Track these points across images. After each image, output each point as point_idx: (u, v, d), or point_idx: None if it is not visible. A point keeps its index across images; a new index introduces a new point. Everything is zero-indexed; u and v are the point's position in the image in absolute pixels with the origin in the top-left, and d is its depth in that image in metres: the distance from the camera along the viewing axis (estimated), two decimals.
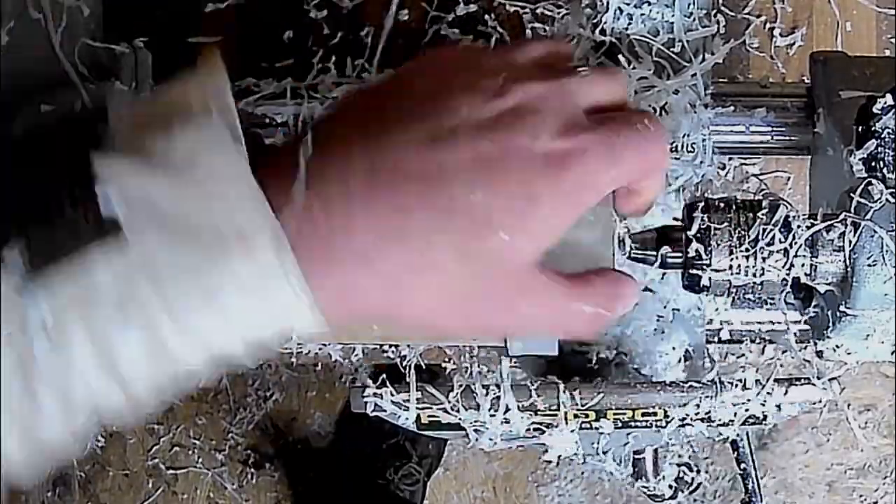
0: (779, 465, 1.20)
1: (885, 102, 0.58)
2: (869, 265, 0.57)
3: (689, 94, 0.76)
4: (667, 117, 0.76)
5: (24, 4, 0.67)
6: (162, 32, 0.91)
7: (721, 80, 0.81)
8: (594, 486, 1.27)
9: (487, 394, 0.66)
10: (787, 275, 0.59)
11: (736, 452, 0.72)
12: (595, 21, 0.77)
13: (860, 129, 0.59)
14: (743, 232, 0.58)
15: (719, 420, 0.67)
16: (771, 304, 0.80)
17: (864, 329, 0.61)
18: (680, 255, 0.60)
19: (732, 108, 0.80)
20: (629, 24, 0.76)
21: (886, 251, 0.57)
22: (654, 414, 0.67)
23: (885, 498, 1.20)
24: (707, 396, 0.66)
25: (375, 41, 1.14)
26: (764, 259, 0.58)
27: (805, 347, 0.69)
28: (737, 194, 0.60)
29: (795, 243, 0.58)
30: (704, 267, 0.58)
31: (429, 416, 0.67)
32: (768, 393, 0.66)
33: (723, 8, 1.03)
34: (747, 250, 0.58)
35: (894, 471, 1.19)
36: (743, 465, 0.72)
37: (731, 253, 0.58)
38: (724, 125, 0.80)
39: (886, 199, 0.57)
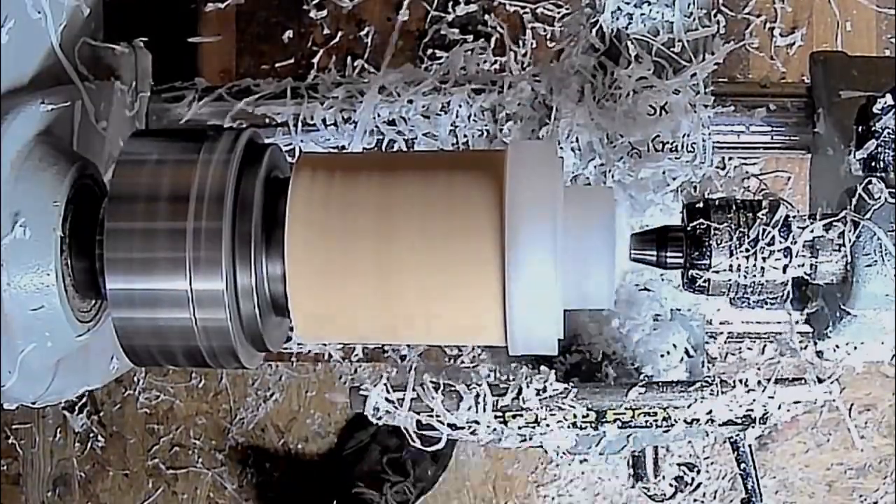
0: (779, 465, 1.20)
1: (885, 102, 0.58)
2: (869, 265, 0.57)
3: (689, 94, 0.76)
4: (667, 117, 0.76)
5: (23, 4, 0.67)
6: (162, 32, 0.91)
7: (721, 80, 0.81)
8: (594, 486, 1.27)
9: (488, 393, 0.66)
10: (787, 275, 0.58)
11: (736, 452, 0.71)
12: (595, 21, 0.77)
13: (860, 129, 0.59)
14: (743, 232, 0.58)
15: (719, 420, 0.67)
16: (771, 304, 0.80)
17: (864, 329, 0.61)
18: (680, 255, 0.60)
19: (732, 108, 0.80)
20: (629, 23, 0.76)
21: (886, 251, 0.57)
22: (654, 414, 0.67)
23: (885, 498, 1.20)
24: (707, 396, 0.66)
25: (375, 41, 1.15)
26: (764, 259, 0.58)
27: (805, 347, 0.69)
28: (736, 194, 0.60)
29: (795, 243, 0.58)
30: (704, 267, 0.58)
31: (427, 417, 0.67)
32: (769, 394, 0.66)
33: (723, 8, 1.03)
34: (747, 250, 0.58)
35: (894, 471, 1.19)
36: (743, 465, 0.72)
37: (731, 253, 0.58)
38: (724, 125, 0.80)
39: (886, 199, 0.57)
